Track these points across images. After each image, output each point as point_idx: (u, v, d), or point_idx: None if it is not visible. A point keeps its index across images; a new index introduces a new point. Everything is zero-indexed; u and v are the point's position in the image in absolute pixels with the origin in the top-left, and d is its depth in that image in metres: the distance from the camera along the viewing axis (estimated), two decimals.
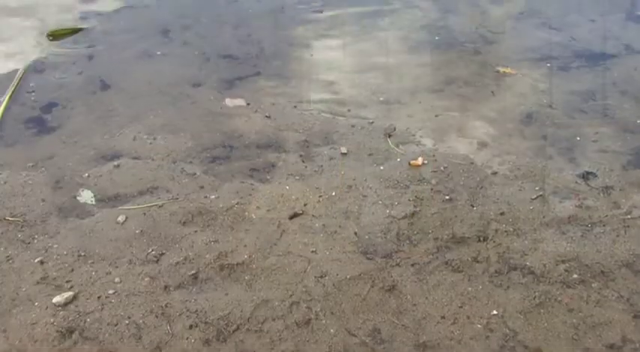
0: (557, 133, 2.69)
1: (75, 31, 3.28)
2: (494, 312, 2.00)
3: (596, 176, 2.48)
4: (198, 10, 3.50)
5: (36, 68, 3.02)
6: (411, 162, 2.52)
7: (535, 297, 2.04)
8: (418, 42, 3.25)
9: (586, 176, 2.49)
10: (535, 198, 2.38)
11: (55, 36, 3.24)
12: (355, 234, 2.23)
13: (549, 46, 3.21)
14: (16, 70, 2.98)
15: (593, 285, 2.08)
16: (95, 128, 2.68)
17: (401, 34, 3.31)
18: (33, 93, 2.86)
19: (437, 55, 3.16)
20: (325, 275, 2.09)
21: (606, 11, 3.48)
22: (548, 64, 3.09)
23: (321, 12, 3.48)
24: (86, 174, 2.46)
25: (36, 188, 2.40)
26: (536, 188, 2.43)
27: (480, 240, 2.22)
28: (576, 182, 2.46)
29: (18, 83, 2.90)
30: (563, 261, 2.14)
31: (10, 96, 2.82)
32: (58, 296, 2.01)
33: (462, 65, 3.08)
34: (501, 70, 3.05)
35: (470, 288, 2.07)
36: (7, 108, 2.76)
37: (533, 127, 2.72)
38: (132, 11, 3.51)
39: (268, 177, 2.47)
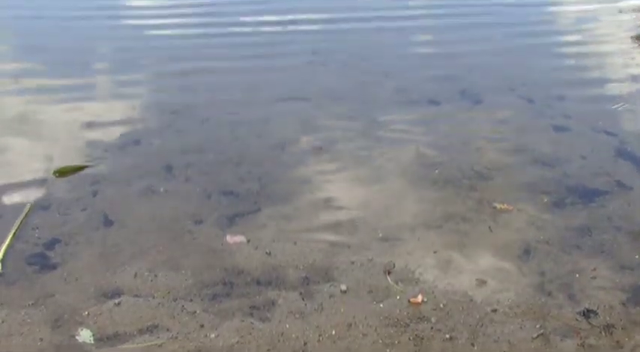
0: (555, 269, 2.75)
1: (80, 168, 3.43)
2: None
3: (596, 314, 2.52)
4: (202, 147, 3.67)
5: (41, 204, 3.13)
6: (411, 299, 2.57)
7: None
8: (416, 178, 3.39)
9: (586, 313, 2.53)
10: (536, 337, 2.41)
11: (61, 173, 3.38)
12: None
13: (543, 182, 3.35)
14: (22, 206, 3.09)
15: None
16: (97, 265, 2.75)
17: (399, 170, 3.45)
18: (37, 230, 2.95)
19: (434, 191, 3.28)
20: None
21: (596, 148, 3.65)
22: (545, 200, 3.20)
23: (321, 149, 3.65)
24: (86, 312, 2.49)
25: (34, 327, 2.43)
26: (537, 326, 2.46)
27: None
28: (577, 320, 2.50)
29: (23, 220, 3.00)
30: None
31: (15, 234, 2.91)
32: None
33: (459, 201, 3.20)
34: (498, 206, 3.16)
35: None
36: (10, 246, 2.84)
37: (531, 263, 2.79)
38: (137, 148, 3.68)
39: (268, 315, 2.50)
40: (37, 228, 2.97)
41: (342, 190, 3.29)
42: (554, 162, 3.53)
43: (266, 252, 2.83)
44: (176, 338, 2.38)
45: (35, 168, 3.46)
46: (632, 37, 5.25)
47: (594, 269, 2.75)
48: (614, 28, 5.43)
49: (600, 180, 3.37)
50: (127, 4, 6.39)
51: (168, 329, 2.42)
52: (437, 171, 3.44)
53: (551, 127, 3.90)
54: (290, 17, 5.86)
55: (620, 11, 5.88)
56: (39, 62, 4.95)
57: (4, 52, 5.25)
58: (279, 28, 5.59)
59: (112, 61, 4.95)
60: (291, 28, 5.61)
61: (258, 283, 2.67)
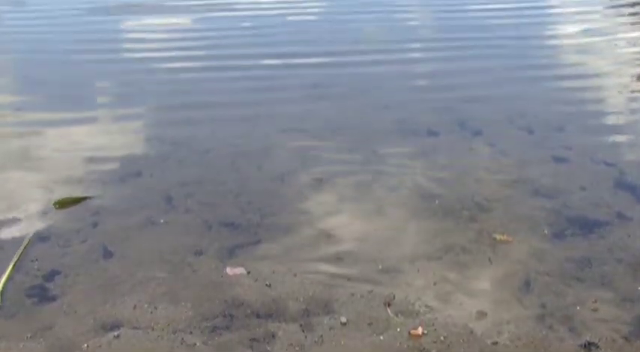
0: (556, 302, 2.75)
1: (81, 199, 3.45)
2: None
3: (598, 347, 2.52)
4: (202, 179, 3.70)
5: (41, 236, 3.15)
6: (411, 331, 2.57)
7: None
8: (415, 209, 3.40)
9: (588, 346, 2.52)
10: None
11: (62, 205, 3.40)
12: None
13: (543, 213, 3.36)
14: (22, 238, 3.11)
15: None
16: (96, 297, 2.75)
17: (399, 201, 3.47)
18: (37, 262, 2.96)
19: (434, 222, 3.30)
20: None
21: (596, 179, 3.68)
22: (545, 231, 3.21)
23: (321, 180, 3.67)
24: (85, 345, 2.49)
25: None
26: None
27: None
28: None
29: (23, 251, 3.01)
30: None
31: (14, 265, 2.92)
32: None
33: (459, 232, 3.21)
34: (497, 237, 3.17)
35: None
36: (10, 278, 2.85)
37: (531, 295, 2.79)
38: (137, 179, 3.71)
39: (268, 348, 2.50)
40: (37, 259, 2.98)
41: (341, 222, 3.30)
42: (554, 193, 3.55)
43: (266, 284, 2.84)
44: None
45: (36, 199, 3.49)
46: (631, 74, 5.30)
47: (595, 302, 2.75)
48: (613, 62, 5.50)
49: (600, 211, 3.39)
50: (128, 36, 6.48)
51: None
52: (437, 202, 3.46)
53: (550, 158, 3.93)
54: (290, 50, 5.94)
55: (619, 45, 5.95)
56: (40, 95, 5.01)
57: (6, 85, 5.31)
58: (279, 62, 5.65)
59: (113, 94, 5.01)
60: (290, 61, 5.67)
61: (258, 315, 2.67)
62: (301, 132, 4.29)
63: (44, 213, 3.35)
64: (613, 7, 6.89)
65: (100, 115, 4.62)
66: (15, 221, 3.28)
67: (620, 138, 4.22)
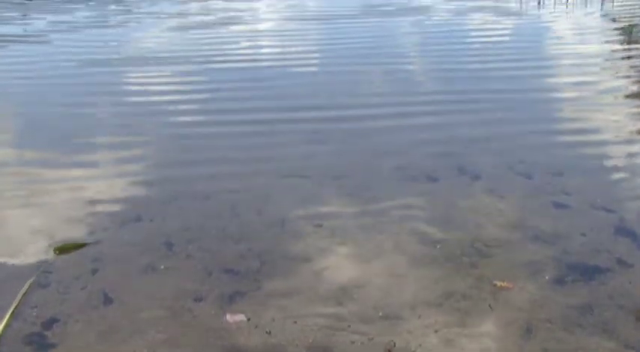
0: (557, 349, 2.76)
1: (81, 245, 3.47)
2: None
3: None
4: (202, 224, 3.73)
5: (41, 283, 3.16)
6: None
7: None
8: (416, 255, 3.42)
9: None
10: None
11: (62, 250, 3.42)
12: None
13: (544, 259, 3.38)
14: (21, 284, 3.12)
15: None
16: (95, 344, 2.75)
17: (399, 247, 3.50)
18: (36, 309, 2.97)
19: (434, 268, 3.32)
20: None
21: (596, 225, 3.70)
22: (546, 278, 3.23)
23: (321, 226, 3.70)
24: None
25: None
26: None
27: None
28: None
29: (22, 298, 3.02)
30: None
31: (13, 312, 2.92)
32: None
33: (459, 279, 3.22)
34: (498, 283, 3.18)
35: None
36: (8, 325, 2.85)
37: (533, 343, 2.79)
38: (137, 224, 3.74)
39: None
40: (36, 306, 2.99)
41: (342, 268, 3.32)
42: (554, 239, 3.57)
43: (266, 331, 2.84)
44: None
45: (36, 245, 3.51)
46: (630, 123, 5.37)
47: (597, 349, 2.75)
48: (612, 112, 5.57)
49: (601, 257, 3.40)
50: (129, 86, 6.58)
51: None
52: (437, 247, 3.48)
53: (550, 204, 3.96)
54: (290, 100, 6.03)
55: (618, 97, 6.03)
56: (41, 139, 5.08)
57: (7, 129, 5.37)
58: (279, 109, 5.73)
59: (114, 140, 5.07)
60: (291, 106, 5.76)
61: None
62: (301, 177, 4.33)
63: (44, 259, 3.37)
64: (611, 59, 7.01)
65: (100, 160, 4.67)
66: (14, 266, 3.29)
67: (619, 184, 4.25)
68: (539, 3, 9.54)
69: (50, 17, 9.75)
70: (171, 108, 5.77)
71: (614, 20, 8.76)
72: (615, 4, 9.85)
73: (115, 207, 3.95)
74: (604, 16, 8.93)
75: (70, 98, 6.10)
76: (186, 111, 5.69)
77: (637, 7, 9.65)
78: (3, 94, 6.36)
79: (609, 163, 4.58)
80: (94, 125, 5.37)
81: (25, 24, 9.18)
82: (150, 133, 5.14)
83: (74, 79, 6.75)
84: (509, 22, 8.23)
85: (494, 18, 8.67)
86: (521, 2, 9.54)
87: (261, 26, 8.40)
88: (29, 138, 5.14)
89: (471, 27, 7.84)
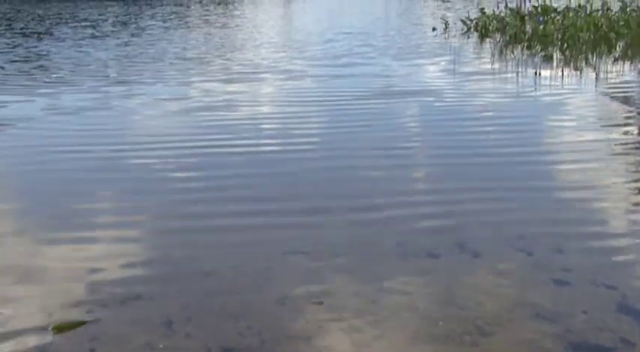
0: None
1: (80, 324, 3.49)
2: None
3: None
4: (202, 302, 3.75)
5: None
6: None
7: None
8: (417, 333, 3.44)
9: None
10: None
11: (60, 329, 3.43)
12: None
13: (545, 337, 3.39)
14: None
15: None
16: None
17: (400, 325, 3.51)
18: None
19: (436, 346, 3.33)
20: None
21: (597, 302, 3.73)
22: None
23: (321, 303, 3.72)
24: None
25: None
26: None
27: None
28: None
29: None
30: None
31: None
32: None
33: None
34: None
35: None
36: None
37: None
38: (137, 302, 3.76)
39: None
40: None
41: (343, 346, 3.32)
42: (555, 317, 3.59)
43: None
44: None
45: (33, 322, 3.52)
46: (631, 200, 5.44)
47: None
48: (613, 190, 5.65)
49: (603, 335, 3.42)
50: (128, 161, 6.68)
51: None
52: (439, 324, 3.50)
53: (551, 281, 4.00)
54: (290, 174, 6.13)
55: (618, 174, 6.13)
56: (39, 213, 5.13)
57: (4, 198, 5.44)
58: (277, 180, 5.82)
59: (112, 215, 5.14)
60: (290, 183, 5.85)
61: None
62: (302, 254, 4.38)
63: (41, 338, 3.37)
64: (611, 140, 7.16)
65: (99, 237, 4.72)
66: (11, 345, 3.29)
67: (620, 260, 4.29)
68: (535, 85, 9.81)
69: (44, 100, 9.96)
70: (170, 186, 5.86)
71: (612, 99, 8.98)
72: (609, 82, 10.12)
73: (115, 284, 3.98)
74: (602, 94, 9.18)
75: (69, 180, 6.19)
76: (186, 191, 5.77)
77: (632, 84, 9.91)
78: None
79: (610, 239, 4.63)
80: (93, 204, 5.44)
81: (17, 107, 9.38)
82: (150, 213, 5.21)
83: (71, 163, 6.87)
84: (509, 106, 8.44)
85: (496, 100, 8.91)
86: (518, 84, 9.80)
87: (264, 109, 8.57)
88: (26, 213, 5.21)
89: (473, 111, 8.04)
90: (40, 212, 5.23)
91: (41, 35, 18.90)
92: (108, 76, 11.42)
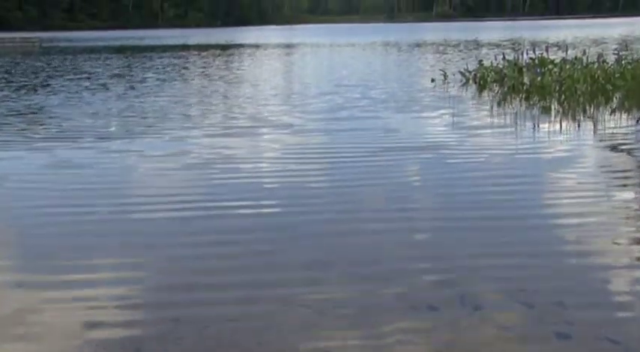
0: None
1: None
2: None
3: None
4: None
5: None
6: None
7: None
8: None
9: None
10: None
11: None
12: None
13: None
14: None
15: None
16: None
17: None
18: None
19: None
20: None
21: None
22: None
23: None
24: None
25: None
26: None
27: None
28: None
29: None
30: None
31: None
32: None
33: None
34: None
35: None
36: None
37: None
38: None
39: None
40: None
41: None
42: None
43: None
44: None
45: None
46: (631, 251, 5.49)
47: None
48: (612, 240, 5.69)
49: None
50: (127, 215, 6.73)
51: None
52: None
53: (552, 334, 4.02)
54: (290, 222, 6.19)
55: (619, 223, 6.18)
56: (37, 265, 5.18)
57: (4, 251, 5.49)
58: (278, 234, 5.88)
59: (110, 269, 5.17)
60: (290, 232, 5.91)
61: None
62: (302, 306, 4.41)
63: None
64: (612, 195, 7.24)
65: (98, 294, 4.73)
66: None
67: (622, 314, 4.31)
68: (534, 138, 9.97)
69: (39, 155, 10.01)
70: (170, 240, 5.91)
71: (612, 149, 9.11)
72: (608, 134, 10.26)
73: (113, 338, 4.00)
74: (602, 147, 9.32)
75: (65, 236, 6.25)
76: (188, 245, 5.82)
77: (630, 137, 10.05)
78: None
79: (611, 292, 4.66)
80: (89, 252, 5.49)
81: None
82: (149, 269, 5.25)
83: (67, 219, 6.92)
84: (509, 162, 8.57)
85: (496, 156, 9.03)
86: (517, 138, 9.96)
87: (264, 165, 8.63)
88: (24, 266, 5.25)
89: (473, 169, 8.12)
90: (37, 268, 5.27)
91: (37, 88, 19.01)
92: (103, 131, 11.26)
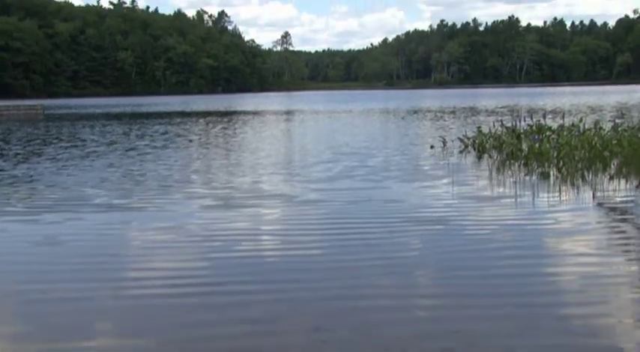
0: None
1: None
2: None
3: None
4: None
5: None
6: None
7: None
8: None
9: None
10: None
11: None
12: None
13: None
14: None
15: None
16: None
17: None
18: None
19: None
20: None
21: None
22: None
23: None
24: None
25: None
26: None
27: None
28: None
29: None
30: None
31: None
32: None
33: None
34: None
35: None
36: None
37: None
38: None
39: None
40: None
41: None
42: None
43: None
44: None
45: None
46: (631, 309, 5.48)
47: None
48: (613, 299, 5.69)
49: None
50: (126, 292, 6.68)
51: None
52: None
53: None
54: (290, 290, 6.18)
55: (618, 282, 6.18)
56: (35, 340, 5.15)
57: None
58: (278, 301, 5.86)
59: (109, 337, 5.14)
60: (291, 301, 5.89)
61: None
62: None
63: None
64: (613, 262, 7.24)
65: None
66: None
67: None
68: (534, 206, 10.09)
69: (27, 227, 9.85)
70: (166, 298, 5.89)
71: (612, 216, 9.16)
72: (606, 200, 10.34)
73: None
74: (601, 215, 9.43)
75: (68, 288, 6.23)
76: (185, 305, 5.81)
77: (629, 203, 10.13)
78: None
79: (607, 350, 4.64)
80: (88, 323, 5.47)
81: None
82: (150, 337, 5.23)
83: (83, 283, 6.90)
84: (508, 231, 8.61)
85: (495, 224, 9.09)
86: (516, 207, 10.07)
87: (264, 239, 8.60)
88: (15, 340, 5.22)
89: (473, 240, 8.13)
90: (34, 336, 5.25)
91: (30, 156, 18.92)
92: (94, 202, 10.97)
